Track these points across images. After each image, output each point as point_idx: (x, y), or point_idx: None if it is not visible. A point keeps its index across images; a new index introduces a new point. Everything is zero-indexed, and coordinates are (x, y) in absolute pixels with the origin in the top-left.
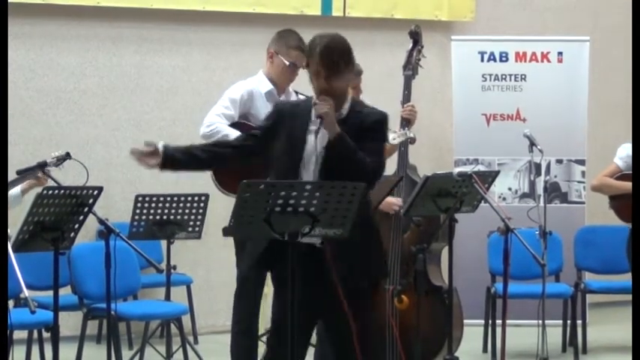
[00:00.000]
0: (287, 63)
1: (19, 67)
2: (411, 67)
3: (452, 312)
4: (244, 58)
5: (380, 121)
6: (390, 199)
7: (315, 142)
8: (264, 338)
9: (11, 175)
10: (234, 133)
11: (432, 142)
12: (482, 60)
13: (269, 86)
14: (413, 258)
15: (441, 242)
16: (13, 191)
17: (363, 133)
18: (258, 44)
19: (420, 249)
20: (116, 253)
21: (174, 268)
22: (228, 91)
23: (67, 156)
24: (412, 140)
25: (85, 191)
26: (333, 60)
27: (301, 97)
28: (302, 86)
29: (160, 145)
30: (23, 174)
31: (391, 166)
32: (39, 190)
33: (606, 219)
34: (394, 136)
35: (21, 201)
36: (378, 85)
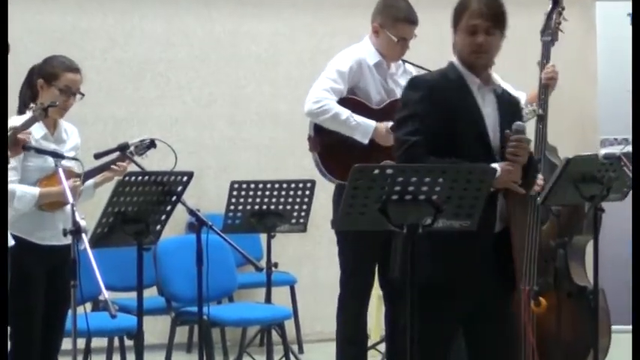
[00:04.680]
0: (395, 39)
1: (96, 35)
2: (550, 32)
3: (597, 316)
4: (354, 21)
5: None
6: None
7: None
8: (381, 347)
9: (88, 159)
10: (344, 113)
11: (574, 120)
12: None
13: (377, 57)
14: (552, 254)
15: (586, 235)
16: (86, 184)
17: (517, 114)
18: (371, 6)
19: (561, 243)
20: (209, 249)
21: (276, 265)
22: (333, 61)
23: (152, 144)
24: (540, 117)
25: (172, 177)
26: (498, 7)
27: (408, 66)
28: None
29: None
30: (101, 164)
31: None
32: (120, 177)
33: None
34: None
35: (92, 194)
36: (511, 54)
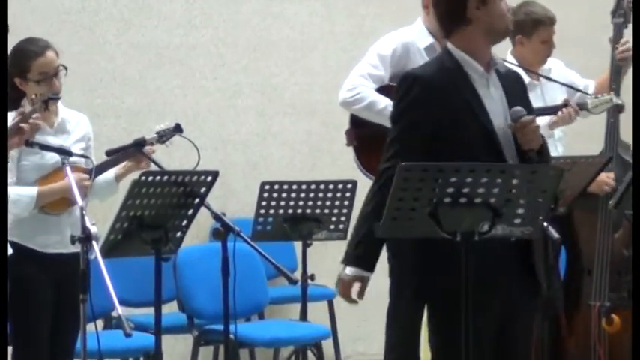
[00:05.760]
0: None
1: (108, 16)
2: (622, 13)
3: None
4: (401, 1)
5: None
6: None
7: None
8: None
9: (99, 156)
10: (382, 101)
11: None
12: None
13: (429, 40)
14: (626, 265)
15: None
16: (105, 177)
17: (524, 93)
18: None
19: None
20: (236, 259)
21: (312, 277)
22: (376, 45)
23: (177, 129)
24: (620, 108)
25: (195, 177)
26: None
27: None
28: None
29: None
30: (115, 156)
31: (594, 142)
32: (136, 176)
33: None
34: (595, 102)
35: (116, 190)
36: (578, 37)
